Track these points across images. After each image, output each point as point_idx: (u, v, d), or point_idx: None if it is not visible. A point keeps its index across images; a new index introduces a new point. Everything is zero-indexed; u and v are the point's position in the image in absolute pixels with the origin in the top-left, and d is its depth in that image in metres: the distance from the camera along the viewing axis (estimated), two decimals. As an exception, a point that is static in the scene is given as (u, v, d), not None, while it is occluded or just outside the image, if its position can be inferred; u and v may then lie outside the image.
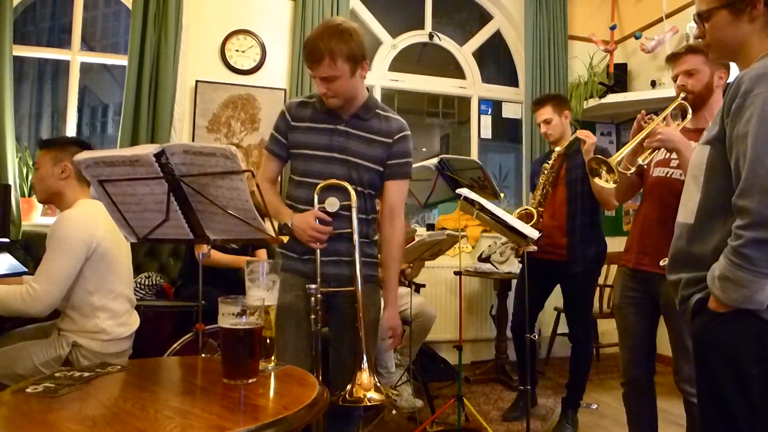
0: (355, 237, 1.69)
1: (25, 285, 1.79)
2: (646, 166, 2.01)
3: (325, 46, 1.62)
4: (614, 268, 3.91)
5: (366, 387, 1.49)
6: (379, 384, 1.53)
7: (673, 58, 1.98)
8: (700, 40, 1.38)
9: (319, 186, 1.73)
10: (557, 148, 2.84)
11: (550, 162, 2.85)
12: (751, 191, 1.10)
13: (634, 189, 2.17)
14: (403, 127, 1.83)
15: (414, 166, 2.79)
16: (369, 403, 1.48)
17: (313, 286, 1.61)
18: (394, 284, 1.84)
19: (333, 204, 1.69)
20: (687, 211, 1.31)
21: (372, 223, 1.85)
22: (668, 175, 1.98)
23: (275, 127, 1.85)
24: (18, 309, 1.79)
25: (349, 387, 1.52)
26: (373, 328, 1.78)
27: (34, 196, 3.45)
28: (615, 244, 4.56)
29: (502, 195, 3.00)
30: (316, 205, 1.71)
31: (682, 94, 1.94)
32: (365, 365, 1.54)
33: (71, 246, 1.82)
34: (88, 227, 1.87)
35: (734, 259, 1.12)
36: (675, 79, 1.97)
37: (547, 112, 2.86)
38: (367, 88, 1.87)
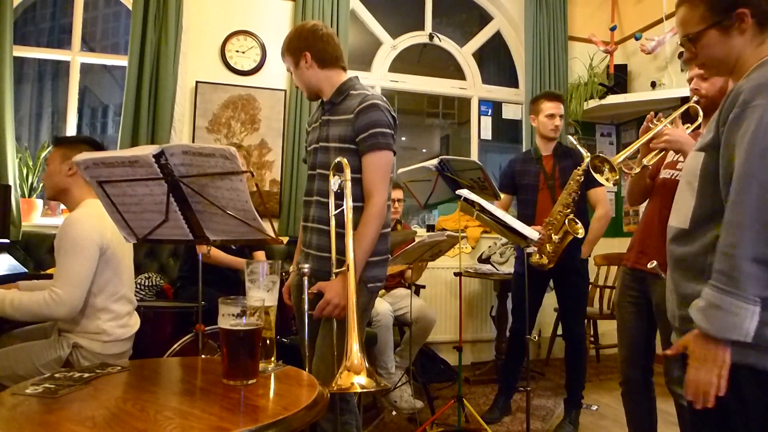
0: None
1: (47, 290, 1.80)
2: (651, 167, 2.02)
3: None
4: (614, 268, 3.92)
5: (357, 369, 1.27)
6: (371, 369, 1.31)
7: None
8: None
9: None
10: (543, 152, 2.98)
11: (581, 170, 2.70)
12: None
13: (647, 193, 2.12)
14: (365, 99, 1.72)
15: (414, 167, 2.84)
16: (359, 390, 1.26)
17: (306, 266, 1.61)
18: (353, 258, 1.58)
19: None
20: (681, 216, 1.29)
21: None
22: (673, 177, 1.96)
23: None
24: (43, 315, 1.81)
25: (338, 374, 1.30)
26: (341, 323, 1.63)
27: (34, 196, 3.45)
28: (615, 245, 4.56)
29: (502, 196, 3.01)
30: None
31: (695, 98, 1.92)
32: (356, 348, 1.32)
33: (85, 246, 1.83)
34: (97, 228, 1.87)
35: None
36: (690, 81, 1.95)
37: (562, 109, 2.96)
38: (352, 78, 1.87)
